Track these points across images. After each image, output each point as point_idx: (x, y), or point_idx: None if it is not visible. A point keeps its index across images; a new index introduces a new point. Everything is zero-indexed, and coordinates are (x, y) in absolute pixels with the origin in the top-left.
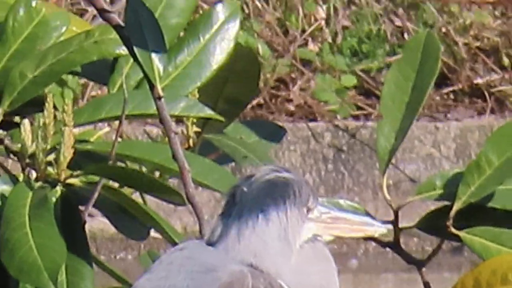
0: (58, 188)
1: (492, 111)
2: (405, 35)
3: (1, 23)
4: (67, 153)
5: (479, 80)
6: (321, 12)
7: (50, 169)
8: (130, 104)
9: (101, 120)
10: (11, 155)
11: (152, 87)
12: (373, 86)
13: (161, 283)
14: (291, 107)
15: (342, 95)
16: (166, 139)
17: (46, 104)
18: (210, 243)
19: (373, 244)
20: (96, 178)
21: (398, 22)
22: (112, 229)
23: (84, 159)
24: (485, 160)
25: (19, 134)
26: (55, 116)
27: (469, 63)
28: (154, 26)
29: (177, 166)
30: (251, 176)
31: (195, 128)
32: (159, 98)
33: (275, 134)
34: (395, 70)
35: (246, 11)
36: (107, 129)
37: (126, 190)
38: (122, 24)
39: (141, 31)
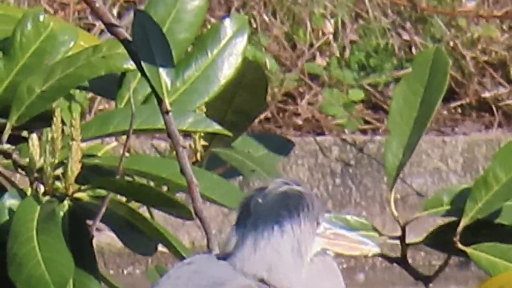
0: (66, 202)
1: (500, 125)
2: (413, 49)
3: (9, 38)
4: (74, 168)
5: (486, 94)
6: (329, 27)
7: (58, 183)
8: (138, 118)
9: (108, 135)
10: (19, 170)
11: (160, 101)
12: (381, 100)
13: None
14: (299, 121)
15: (350, 109)
16: (174, 153)
17: (54, 119)
18: (225, 253)
19: (381, 258)
20: (104, 193)
21: (405, 36)
22: (120, 244)
23: (91, 173)
24: (492, 176)
25: (27, 149)
26: (62, 131)
27: (477, 77)
28: (162, 40)
29: (185, 180)
30: (263, 188)
31: (203, 142)
32: (167, 112)
33: (283, 147)
34: (404, 86)
35: (254, 25)
36: (114, 143)
37: (134, 205)
38: (130, 38)
39: (149, 45)
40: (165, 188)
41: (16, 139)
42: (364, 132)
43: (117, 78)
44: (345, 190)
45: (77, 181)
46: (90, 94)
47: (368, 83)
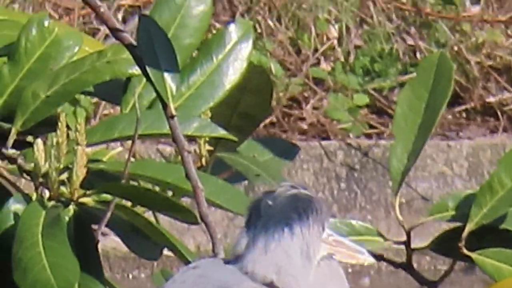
0: (71, 207)
1: (505, 130)
2: (418, 54)
3: (13, 43)
4: (80, 172)
5: (491, 99)
6: (334, 32)
7: (63, 188)
8: (143, 123)
9: (114, 140)
10: (24, 175)
11: (165, 106)
12: (386, 105)
13: None
14: (304, 126)
15: (355, 114)
16: (179, 158)
17: (59, 124)
18: (235, 255)
19: (386, 263)
20: (109, 197)
21: (410, 41)
22: (125, 248)
23: (97, 178)
24: (497, 181)
25: (32, 154)
26: (68, 136)
27: (482, 82)
28: (167, 45)
29: (190, 185)
30: (272, 191)
31: (208, 147)
32: (172, 117)
33: (288, 152)
34: (408, 91)
35: (259, 30)
36: (120, 148)
37: (139, 209)
38: (134, 43)
39: (154, 51)
40: (170, 193)
41: (21, 144)
42: (369, 136)
43: (122, 83)
44: (350, 195)
45: (82, 186)
46: (95, 99)
47: (373, 87)
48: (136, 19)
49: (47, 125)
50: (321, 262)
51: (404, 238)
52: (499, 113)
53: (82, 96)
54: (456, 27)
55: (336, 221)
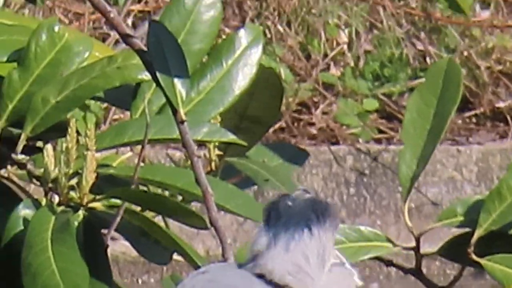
0: (81, 212)
1: None
2: (427, 59)
3: (23, 49)
4: (89, 178)
5: (501, 104)
6: (343, 37)
7: (72, 193)
8: (153, 128)
9: (123, 145)
10: (34, 180)
11: (174, 111)
12: (395, 110)
13: None
14: (313, 131)
15: (364, 118)
16: (189, 163)
17: (69, 129)
18: (253, 252)
19: (395, 268)
20: (119, 202)
21: (420, 46)
22: (135, 252)
23: (106, 183)
24: (506, 187)
25: (42, 159)
26: (77, 141)
27: (491, 87)
28: (177, 51)
29: (199, 190)
30: (288, 194)
31: (218, 152)
32: (182, 122)
33: (297, 157)
34: (417, 97)
35: (268, 35)
36: (129, 153)
37: (149, 214)
38: (144, 49)
39: (164, 56)
40: (180, 198)
41: (30, 150)
42: (378, 141)
43: (132, 88)
44: (360, 200)
45: (91, 191)
46: (105, 105)
47: (383, 92)
48: (146, 24)
49: (57, 131)
50: (333, 268)
51: (413, 243)
52: (508, 118)
53: (92, 102)
54: (466, 32)
55: (344, 227)
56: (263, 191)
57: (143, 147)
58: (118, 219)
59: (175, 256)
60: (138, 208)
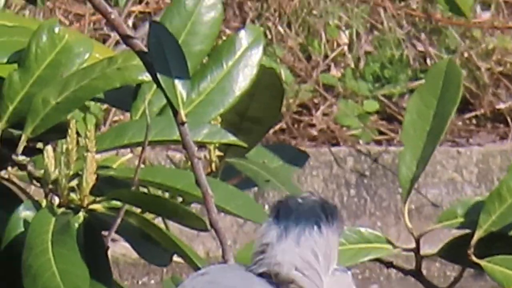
0: (81, 214)
1: None
2: (428, 60)
3: (24, 50)
4: (89, 179)
5: (501, 105)
6: (344, 38)
7: (73, 195)
8: (153, 130)
9: (123, 146)
10: (34, 181)
11: (175, 113)
12: (395, 111)
13: None
14: (314, 132)
15: (365, 120)
16: (189, 164)
17: (69, 130)
18: (261, 244)
19: (395, 270)
20: (119, 204)
21: (420, 47)
22: (135, 254)
23: (106, 185)
24: (506, 189)
25: (42, 160)
26: (77, 142)
27: (492, 88)
28: (178, 52)
29: (200, 191)
30: (294, 196)
31: (218, 153)
32: (182, 123)
33: (298, 158)
34: (417, 98)
35: (269, 36)
36: (129, 155)
37: (149, 216)
38: (145, 50)
39: (165, 57)
40: (180, 199)
41: (31, 151)
42: (378, 142)
43: (132, 89)
44: (360, 201)
45: (92, 192)
46: (105, 106)
47: (383, 94)
48: (147, 25)
49: (57, 132)
50: (336, 272)
51: (413, 244)
52: (509, 119)
53: (92, 103)
54: (466, 34)
55: (344, 228)
56: (264, 192)
57: (143, 149)
58: (119, 220)
59: (175, 258)
60: (138, 210)
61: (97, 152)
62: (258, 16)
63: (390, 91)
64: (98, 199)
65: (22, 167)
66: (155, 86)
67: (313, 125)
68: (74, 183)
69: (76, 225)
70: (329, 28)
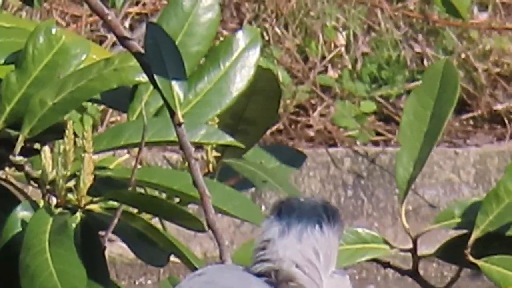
0: (78, 214)
1: None
2: (425, 62)
3: (21, 51)
4: (87, 180)
5: (498, 106)
6: (341, 39)
7: (70, 195)
8: (150, 131)
9: (120, 147)
10: (32, 182)
11: (172, 114)
12: (393, 112)
13: None
14: (311, 133)
15: (362, 121)
16: (186, 165)
17: (66, 131)
18: (263, 240)
19: (392, 270)
20: (116, 205)
21: (417, 49)
22: (132, 254)
23: (103, 185)
24: (503, 189)
25: (40, 161)
26: (75, 143)
27: (489, 89)
28: (175, 53)
29: (197, 192)
30: (295, 196)
31: (215, 153)
32: (179, 124)
33: (295, 159)
34: (414, 99)
35: (266, 37)
36: (126, 156)
37: (146, 216)
38: (142, 51)
39: (162, 58)
40: (177, 200)
41: (28, 151)
42: (376, 143)
43: (129, 90)
44: (357, 202)
45: (89, 193)
46: (102, 107)
47: (380, 95)
48: (144, 26)
49: (54, 133)
50: (334, 275)
51: (410, 245)
52: (506, 120)
53: (89, 104)
54: (463, 35)
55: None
56: (261, 193)
57: (140, 150)
58: (116, 221)
59: (172, 258)
60: (135, 210)
61: (94, 152)
62: (255, 17)
63: (387, 92)
64: (95, 199)
65: (19, 167)
66: (152, 87)
67: (310, 126)
68: (71, 183)
69: (74, 225)
70: (326, 29)
